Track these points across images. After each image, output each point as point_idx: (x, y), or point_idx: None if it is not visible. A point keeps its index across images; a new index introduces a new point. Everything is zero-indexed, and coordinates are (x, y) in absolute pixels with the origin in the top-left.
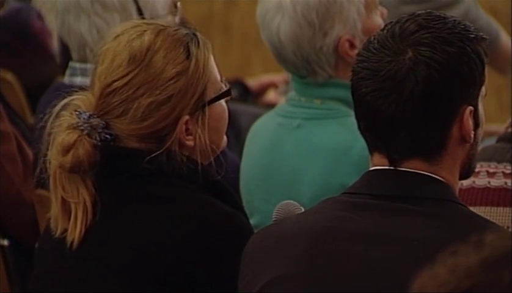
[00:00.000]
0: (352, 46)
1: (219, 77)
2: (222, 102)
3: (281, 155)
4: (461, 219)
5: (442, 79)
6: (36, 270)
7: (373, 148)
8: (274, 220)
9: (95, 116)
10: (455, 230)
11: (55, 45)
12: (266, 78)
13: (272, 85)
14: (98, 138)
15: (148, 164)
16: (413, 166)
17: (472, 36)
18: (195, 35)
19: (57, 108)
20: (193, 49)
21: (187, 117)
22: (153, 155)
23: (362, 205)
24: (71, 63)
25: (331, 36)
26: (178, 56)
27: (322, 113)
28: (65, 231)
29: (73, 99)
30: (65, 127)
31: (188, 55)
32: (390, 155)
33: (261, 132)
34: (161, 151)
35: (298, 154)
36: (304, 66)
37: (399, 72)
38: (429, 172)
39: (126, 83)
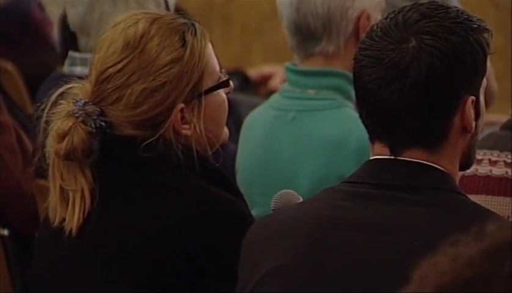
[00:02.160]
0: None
1: (217, 67)
2: (221, 92)
3: (278, 149)
4: (462, 209)
5: (445, 68)
6: (36, 259)
7: (374, 136)
8: (273, 210)
9: (90, 103)
10: (455, 220)
11: (55, 35)
12: (267, 69)
13: (274, 76)
14: (93, 125)
15: (145, 152)
16: (414, 156)
17: (475, 26)
18: (193, 24)
19: (54, 96)
20: (189, 37)
21: (182, 105)
22: (147, 142)
23: (363, 194)
24: (70, 53)
25: (360, 2)
26: (173, 44)
27: (316, 105)
28: (64, 220)
29: (70, 88)
30: (63, 115)
31: (183, 44)
32: (391, 144)
33: (255, 125)
34: (155, 138)
35: (294, 147)
36: (323, 24)
37: (402, 60)
38: (429, 162)
39: (119, 70)
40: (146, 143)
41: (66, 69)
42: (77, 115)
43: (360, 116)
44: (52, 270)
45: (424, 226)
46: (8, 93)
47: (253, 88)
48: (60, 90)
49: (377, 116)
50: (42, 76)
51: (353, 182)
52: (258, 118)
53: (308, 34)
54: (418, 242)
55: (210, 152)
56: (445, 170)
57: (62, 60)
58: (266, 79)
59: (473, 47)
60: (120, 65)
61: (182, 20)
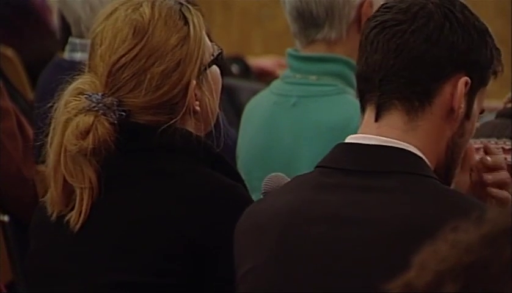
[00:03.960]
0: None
1: (209, 41)
2: (215, 65)
3: (278, 134)
4: (432, 194)
5: (452, 32)
6: (35, 245)
7: (365, 98)
8: (263, 193)
9: (107, 95)
10: (425, 207)
11: (55, 21)
12: (268, 62)
13: (273, 73)
14: (113, 117)
15: (160, 137)
16: (392, 122)
17: (493, 37)
18: (181, 3)
19: (65, 95)
20: (188, 15)
21: (194, 82)
22: (170, 123)
23: (333, 185)
24: (71, 39)
25: None
26: (177, 23)
27: (317, 91)
28: (61, 211)
29: (75, 84)
30: (75, 111)
31: (185, 21)
32: (378, 99)
33: (256, 111)
34: (177, 119)
35: (295, 133)
36: (326, 10)
37: (412, 9)
38: (406, 135)
39: (134, 56)
40: (164, 127)
41: (66, 55)
42: (96, 108)
43: (356, 75)
44: (52, 256)
45: (392, 215)
46: (9, 79)
47: (254, 74)
48: (70, 88)
49: (372, 64)
50: (42, 62)
51: (325, 166)
52: (259, 104)
53: (310, 20)
54: (387, 232)
55: (211, 128)
56: (418, 153)
57: (62, 46)
58: (265, 73)
59: (484, 35)
60: (134, 52)
61: (170, 0)
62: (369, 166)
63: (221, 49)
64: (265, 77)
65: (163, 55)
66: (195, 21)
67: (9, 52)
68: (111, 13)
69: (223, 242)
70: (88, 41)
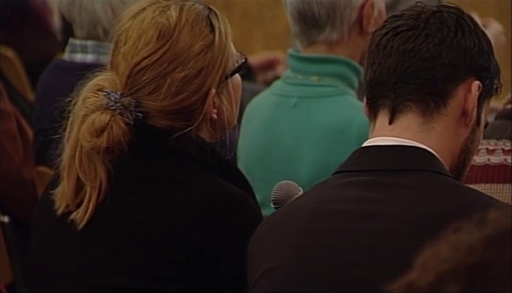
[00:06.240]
0: (372, 15)
1: (235, 49)
2: (237, 74)
3: (279, 135)
4: (447, 191)
5: (465, 37)
6: (35, 244)
7: (377, 104)
8: (273, 200)
9: (125, 95)
10: (440, 203)
11: (55, 21)
12: (267, 55)
13: (274, 63)
14: (130, 117)
15: (173, 143)
16: (407, 124)
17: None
18: (210, 9)
19: (84, 90)
20: (215, 22)
21: (214, 90)
22: (186, 130)
23: (349, 183)
24: (71, 40)
25: None
26: (203, 30)
27: (319, 91)
28: (68, 206)
29: (95, 80)
30: (93, 108)
31: (212, 29)
32: (393, 100)
33: (257, 111)
34: (193, 127)
35: (295, 133)
36: (328, 12)
37: (423, 15)
38: (420, 141)
39: (157, 60)
40: (179, 134)
41: (66, 56)
42: (113, 107)
43: (365, 78)
44: (53, 255)
45: (405, 211)
46: (9, 80)
47: (254, 75)
48: (91, 83)
49: (386, 68)
50: (43, 63)
51: (342, 171)
52: (260, 105)
53: (312, 22)
54: (402, 228)
55: (224, 136)
56: (433, 152)
57: (62, 47)
58: (267, 65)
59: (491, 46)
60: (156, 55)
61: (199, 5)
62: (385, 165)
63: (245, 58)
64: (269, 69)
65: (185, 62)
66: (222, 28)
67: (9, 53)
68: (139, 12)
69: (226, 252)
70: (89, 42)
